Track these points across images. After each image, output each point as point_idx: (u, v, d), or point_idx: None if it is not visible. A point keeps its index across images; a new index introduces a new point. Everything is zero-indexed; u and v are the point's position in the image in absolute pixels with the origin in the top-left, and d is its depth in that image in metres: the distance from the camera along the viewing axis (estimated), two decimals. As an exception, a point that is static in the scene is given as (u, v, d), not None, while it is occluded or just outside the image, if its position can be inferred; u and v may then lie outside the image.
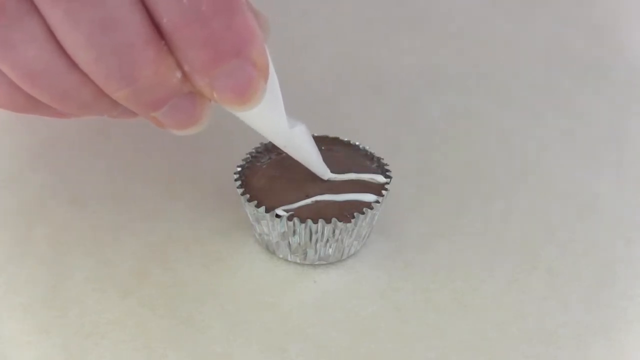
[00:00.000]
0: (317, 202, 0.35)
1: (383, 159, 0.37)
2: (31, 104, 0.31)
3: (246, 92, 0.29)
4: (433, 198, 0.40)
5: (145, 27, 0.27)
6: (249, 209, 0.35)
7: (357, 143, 0.38)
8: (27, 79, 0.29)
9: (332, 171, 0.36)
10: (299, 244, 0.35)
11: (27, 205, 0.39)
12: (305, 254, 0.35)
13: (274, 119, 0.32)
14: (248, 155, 0.37)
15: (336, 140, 0.38)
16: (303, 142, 0.34)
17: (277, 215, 0.34)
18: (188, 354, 0.32)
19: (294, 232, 0.34)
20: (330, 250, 0.35)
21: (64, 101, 0.30)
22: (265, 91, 0.30)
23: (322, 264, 0.36)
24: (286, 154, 0.37)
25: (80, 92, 0.29)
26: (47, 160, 0.41)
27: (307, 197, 0.35)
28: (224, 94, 0.29)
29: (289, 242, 0.35)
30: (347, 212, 0.35)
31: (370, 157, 0.38)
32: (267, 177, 0.36)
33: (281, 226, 0.34)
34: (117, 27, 0.27)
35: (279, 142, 0.34)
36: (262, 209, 0.35)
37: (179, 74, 0.29)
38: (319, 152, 0.35)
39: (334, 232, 0.34)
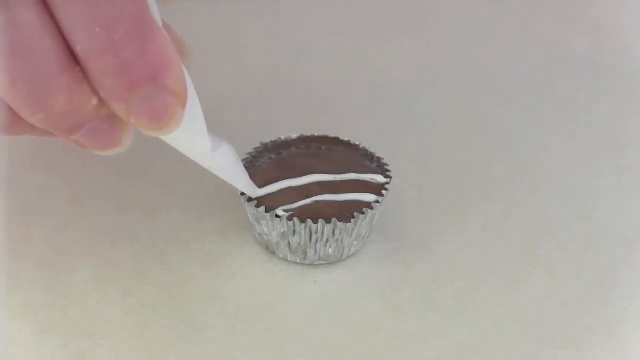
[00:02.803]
0: (317, 202, 0.35)
1: (383, 159, 0.37)
2: None
3: (163, 118, 0.29)
4: (433, 198, 0.40)
5: (59, 54, 0.27)
6: (249, 209, 0.35)
7: (357, 143, 0.38)
8: None
9: (330, 172, 0.36)
10: (299, 244, 0.35)
11: (27, 205, 0.39)
12: (305, 254, 0.35)
13: (195, 143, 0.32)
14: (248, 155, 0.37)
15: (336, 140, 0.38)
16: (227, 164, 0.34)
17: (277, 216, 0.34)
18: (188, 354, 0.32)
19: (294, 232, 0.34)
20: (330, 250, 0.35)
21: None
22: (183, 116, 0.30)
23: (322, 264, 0.36)
24: (286, 153, 0.37)
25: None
26: (47, 160, 0.41)
27: (307, 197, 0.35)
28: (140, 120, 0.29)
29: (289, 242, 0.35)
30: (347, 212, 0.35)
31: (370, 157, 0.38)
32: (267, 177, 0.36)
33: (281, 226, 0.34)
34: (30, 53, 0.27)
35: (203, 164, 0.34)
36: (262, 209, 0.35)
37: (94, 100, 0.29)
38: (245, 172, 0.35)
39: (334, 232, 0.34)
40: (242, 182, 0.35)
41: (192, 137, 0.32)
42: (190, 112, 0.31)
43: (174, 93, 0.29)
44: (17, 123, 0.30)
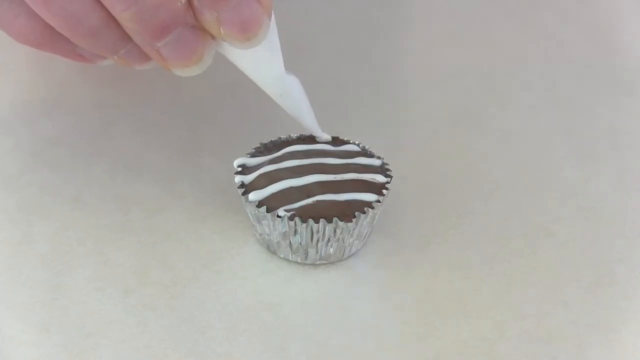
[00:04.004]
0: (318, 201, 0.35)
1: (383, 158, 0.37)
2: (47, 36, 0.32)
3: (252, 27, 0.31)
4: (433, 198, 0.40)
5: None
6: (250, 209, 0.35)
7: (357, 143, 0.38)
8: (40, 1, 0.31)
9: (330, 171, 0.36)
10: (300, 243, 0.35)
11: (28, 204, 0.39)
12: (306, 253, 0.35)
13: (272, 63, 0.33)
14: (248, 155, 0.37)
15: (336, 140, 0.38)
16: (298, 92, 0.35)
17: (278, 215, 0.34)
18: (188, 354, 0.32)
19: (295, 232, 0.34)
20: (332, 250, 0.35)
21: (73, 26, 0.31)
22: (269, 28, 0.31)
23: (323, 264, 0.36)
24: (286, 153, 0.37)
25: (89, 14, 0.31)
26: (47, 160, 0.41)
27: (308, 196, 0.35)
28: (230, 28, 0.31)
29: (290, 242, 0.35)
30: (348, 212, 0.35)
31: (370, 156, 0.38)
32: (268, 177, 0.36)
33: (282, 226, 0.34)
34: None
35: (275, 90, 0.34)
36: (263, 209, 0.35)
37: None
38: (312, 109, 0.35)
39: (335, 231, 0.34)
40: (309, 118, 0.35)
41: (270, 55, 0.33)
42: (271, 27, 0.32)
43: (261, 3, 0.31)
44: (108, 28, 0.31)
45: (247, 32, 0.31)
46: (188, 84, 0.44)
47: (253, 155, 0.37)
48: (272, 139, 0.38)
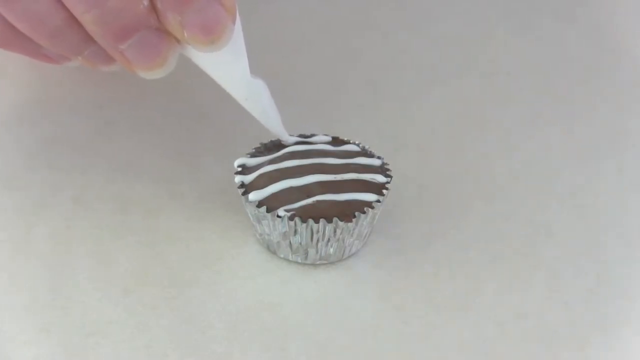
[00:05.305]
0: (318, 201, 0.35)
1: (383, 158, 0.37)
2: (11, 36, 0.32)
3: (215, 30, 0.31)
4: (433, 198, 0.40)
5: None
6: (250, 209, 0.35)
7: (357, 143, 0.38)
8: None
9: (330, 171, 0.36)
10: (300, 243, 0.35)
11: (28, 205, 0.39)
12: (306, 253, 0.35)
13: (237, 67, 0.33)
14: (248, 155, 0.37)
15: (336, 140, 0.38)
16: (265, 96, 0.35)
17: (278, 215, 0.34)
18: (188, 354, 0.32)
19: (295, 231, 0.34)
20: (332, 250, 0.35)
21: (35, 27, 0.31)
22: (233, 32, 0.31)
23: (323, 264, 0.36)
24: (286, 153, 0.37)
25: (52, 16, 0.31)
26: (47, 160, 0.41)
27: (308, 196, 0.35)
28: (193, 32, 0.30)
29: (290, 242, 0.35)
30: (348, 212, 0.35)
31: (370, 156, 0.38)
32: (268, 177, 0.36)
33: (282, 226, 0.34)
34: None
35: (240, 94, 0.34)
36: (263, 209, 0.35)
37: (145, 2, 0.30)
38: (278, 113, 0.36)
39: (335, 231, 0.34)
40: (276, 122, 0.35)
41: (235, 59, 0.33)
42: (236, 34, 0.32)
43: (225, 7, 0.30)
44: (71, 28, 0.31)
45: (210, 35, 0.31)
46: (188, 84, 0.44)
47: (253, 155, 0.37)
48: (272, 139, 0.38)
